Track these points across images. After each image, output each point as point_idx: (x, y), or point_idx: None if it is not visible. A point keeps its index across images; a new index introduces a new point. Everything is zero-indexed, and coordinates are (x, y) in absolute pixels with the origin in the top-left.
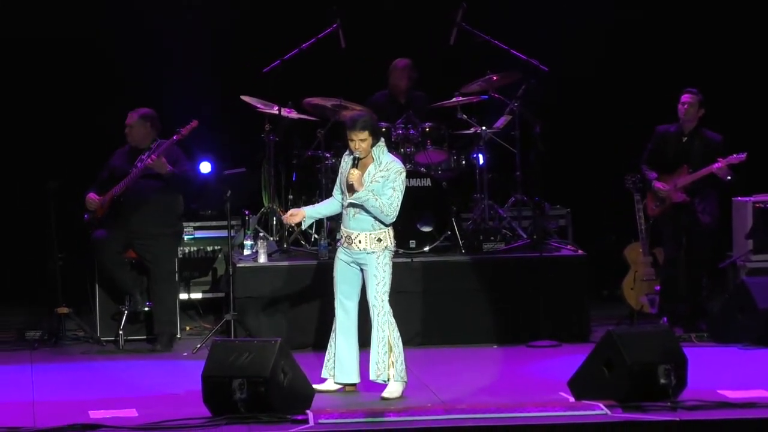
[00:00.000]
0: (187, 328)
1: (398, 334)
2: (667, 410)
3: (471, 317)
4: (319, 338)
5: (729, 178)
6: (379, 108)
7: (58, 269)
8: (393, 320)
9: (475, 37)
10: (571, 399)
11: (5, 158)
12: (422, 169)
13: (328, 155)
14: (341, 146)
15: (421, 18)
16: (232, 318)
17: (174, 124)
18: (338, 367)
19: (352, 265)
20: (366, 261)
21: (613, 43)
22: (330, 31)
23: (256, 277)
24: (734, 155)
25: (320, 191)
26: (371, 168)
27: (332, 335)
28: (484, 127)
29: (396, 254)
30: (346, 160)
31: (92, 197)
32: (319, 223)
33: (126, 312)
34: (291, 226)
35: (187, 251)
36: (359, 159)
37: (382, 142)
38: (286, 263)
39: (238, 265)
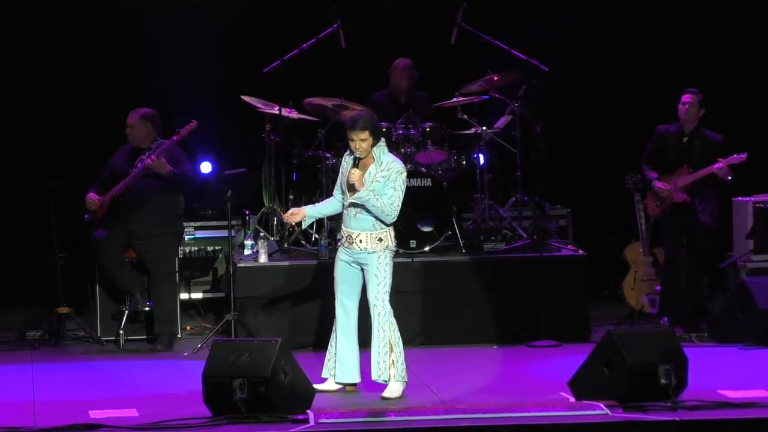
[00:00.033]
0: (188, 327)
1: (399, 334)
2: (667, 410)
3: (471, 317)
4: (320, 338)
5: (729, 178)
6: (379, 108)
7: (59, 269)
8: (393, 320)
9: (475, 37)
10: (572, 399)
11: (5, 158)
12: (423, 169)
13: (328, 155)
14: (342, 146)
15: (422, 18)
16: (233, 318)
17: (174, 124)
18: (339, 366)
19: (352, 264)
20: (367, 261)
21: (613, 43)
22: (330, 31)
23: (256, 276)
24: (735, 155)
25: (321, 191)
26: (372, 168)
27: (333, 335)
28: (484, 127)
29: (396, 254)
30: (346, 160)
31: (92, 197)
32: (319, 222)
33: (126, 312)
34: (291, 226)
35: (187, 251)
36: (360, 159)
37: (382, 142)
38: (286, 263)
39: (238, 264)
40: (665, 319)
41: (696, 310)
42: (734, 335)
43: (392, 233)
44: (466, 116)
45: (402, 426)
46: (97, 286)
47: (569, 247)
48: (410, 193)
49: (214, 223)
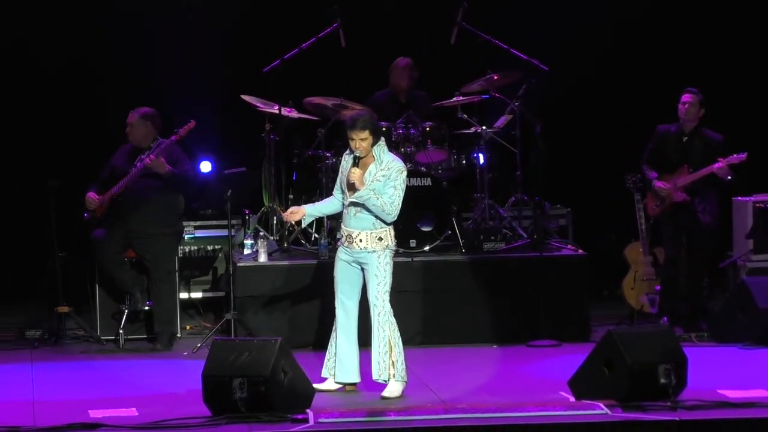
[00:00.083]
0: (188, 327)
1: (399, 333)
2: (667, 410)
3: (471, 317)
4: (320, 337)
5: (729, 177)
6: (379, 107)
7: (59, 268)
8: (393, 320)
9: (475, 37)
10: (572, 399)
11: (5, 158)
12: (423, 168)
13: (328, 154)
14: (342, 145)
15: (422, 17)
16: (233, 317)
17: (174, 124)
18: (339, 366)
19: (352, 264)
20: (367, 260)
21: (613, 43)
22: (330, 31)
23: (256, 276)
24: (734, 155)
25: (321, 191)
26: (372, 167)
27: (333, 334)
28: (484, 127)
29: (396, 254)
30: (346, 160)
31: (92, 196)
32: (319, 222)
33: (126, 311)
34: (291, 226)
35: (187, 250)
36: (360, 158)
37: (382, 142)
38: (286, 262)
39: (238, 264)
40: (665, 318)
41: (696, 309)
42: (734, 335)
43: (392, 233)
44: (466, 116)
45: (402, 426)
46: (97, 286)
47: (569, 246)
48: (410, 193)
49: (214, 222)
